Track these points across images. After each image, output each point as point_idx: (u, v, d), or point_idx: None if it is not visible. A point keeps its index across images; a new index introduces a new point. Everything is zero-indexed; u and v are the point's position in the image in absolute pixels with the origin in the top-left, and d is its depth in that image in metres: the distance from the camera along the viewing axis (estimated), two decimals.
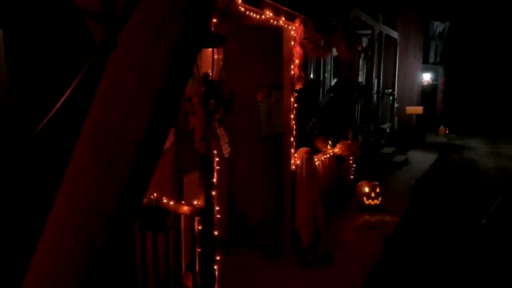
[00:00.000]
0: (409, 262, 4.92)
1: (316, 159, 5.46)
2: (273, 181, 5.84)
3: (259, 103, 5.73)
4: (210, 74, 2.72)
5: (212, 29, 2.98)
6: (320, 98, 9.30)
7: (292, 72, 4.70)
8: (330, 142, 5.73)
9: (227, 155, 3.20)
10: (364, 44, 12.61)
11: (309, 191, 4.76)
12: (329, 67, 10.70)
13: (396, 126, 14.66)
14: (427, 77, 14.69)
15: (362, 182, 6.63)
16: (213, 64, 2.65)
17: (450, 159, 11.33)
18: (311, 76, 9.83)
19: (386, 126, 12.38)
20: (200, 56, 2.69)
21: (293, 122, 4.81)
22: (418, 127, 14.35)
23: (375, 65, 10.87)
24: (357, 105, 9.79)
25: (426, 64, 16.58)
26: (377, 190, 6.53)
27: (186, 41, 1.48)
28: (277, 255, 4.85)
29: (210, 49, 2.81)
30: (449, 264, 4.89)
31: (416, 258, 5.03)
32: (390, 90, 12.87)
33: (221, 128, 3.10)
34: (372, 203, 6.52)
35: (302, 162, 4.80)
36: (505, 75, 19.15)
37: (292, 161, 4.81)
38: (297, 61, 4.70)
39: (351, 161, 6.93)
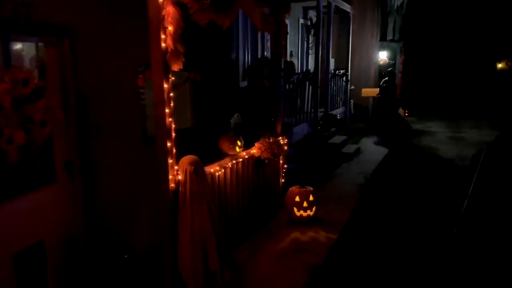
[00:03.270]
0: None
1: (216, 168, 3.99)
2: None
3: (141, 90, 4.16)
4: None
5: None
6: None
7: (164, 45, 3.15)
8: (239, 143, 4.25)
9: None
10: (314, 19, 11.20)
11: (197, 220, 3.29)
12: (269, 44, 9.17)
13: (352, 110, 13.43)
14: (383, 55, 13.41)
15: (292, 189, 5.24)
16: None
17: (407, 147, 10.16)
18: (247, 55, 8.31)
19: (339, 111, 11.08)
20: None
21: (170, 119, 3.29)
22: (374, 110, 13.13)
23: (321, 42, 9.44)
24: (303, 89, 8.42)
25: (384, 42, 15.31)
26: (311, 198, 5.15)
27: None
28: None
29: None
30: None
31: None
32: (342, 71, 11.52)
33: None
34: (305, 214, 5.14)
35: (185, 177, 3.30)
36: (467, 52, 18.28)
37: (170, 177, 3.31)
38: (170, 28, 3.16)
39: (281, 161, 5.51)
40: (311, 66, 11.90)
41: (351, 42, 12.56)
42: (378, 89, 12.90)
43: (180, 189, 3.32)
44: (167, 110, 3.24)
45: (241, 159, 4.43)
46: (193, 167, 3.29)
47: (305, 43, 11.76)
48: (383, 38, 15.25)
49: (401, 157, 9.14)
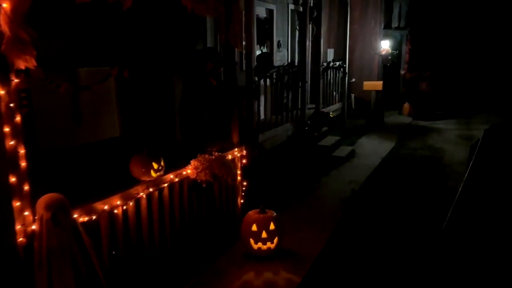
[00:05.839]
0: None
1: (117, 203, 2.89)
2: None
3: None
4: None
5: None
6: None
7: None
8: (155, 165, 3.14)
9: None
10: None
11: None
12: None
13: (353, 105, 12.22)
14: (385, 45, 12.11)
15: (249, 214, 4.12)
16: None
17: (409, 149, 8.93)
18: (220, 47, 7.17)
19: (334, 108, 9.89)
20: None
21: (12, 141, 2.21)
22: (377, 106, 11.90)
23: (308, 29, 8.25)
24: (287, 85, 7.28)
25: (389, 29, 14.00)
26: (271, 226, 4.04)
27: None
28: None
29: None
30: None
31: None
32: (338, 63, 10.30)
33: None
34: (264, 247, 4.04)
35: (41, 227, 2.23)
36: (482, 41, 16.81)
37: (18, 227, 2.24)
38: (5, 6, 2.07)
39: (239, 178, 4.42)
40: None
41: (353, 30, 11.34)
42: (381, 82, 11.68)
43: (35, 244, 2.26)
44: (6, 129, 2.16)
45: (166, 184, 3.34)
46: (50, 213, 2.22)
47: (297, 32, 10.55)
48: (387, 25, 13.95)
49: (401, 161, 7.93)
